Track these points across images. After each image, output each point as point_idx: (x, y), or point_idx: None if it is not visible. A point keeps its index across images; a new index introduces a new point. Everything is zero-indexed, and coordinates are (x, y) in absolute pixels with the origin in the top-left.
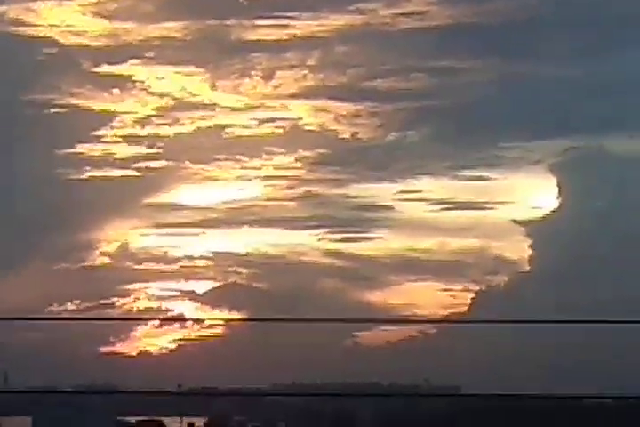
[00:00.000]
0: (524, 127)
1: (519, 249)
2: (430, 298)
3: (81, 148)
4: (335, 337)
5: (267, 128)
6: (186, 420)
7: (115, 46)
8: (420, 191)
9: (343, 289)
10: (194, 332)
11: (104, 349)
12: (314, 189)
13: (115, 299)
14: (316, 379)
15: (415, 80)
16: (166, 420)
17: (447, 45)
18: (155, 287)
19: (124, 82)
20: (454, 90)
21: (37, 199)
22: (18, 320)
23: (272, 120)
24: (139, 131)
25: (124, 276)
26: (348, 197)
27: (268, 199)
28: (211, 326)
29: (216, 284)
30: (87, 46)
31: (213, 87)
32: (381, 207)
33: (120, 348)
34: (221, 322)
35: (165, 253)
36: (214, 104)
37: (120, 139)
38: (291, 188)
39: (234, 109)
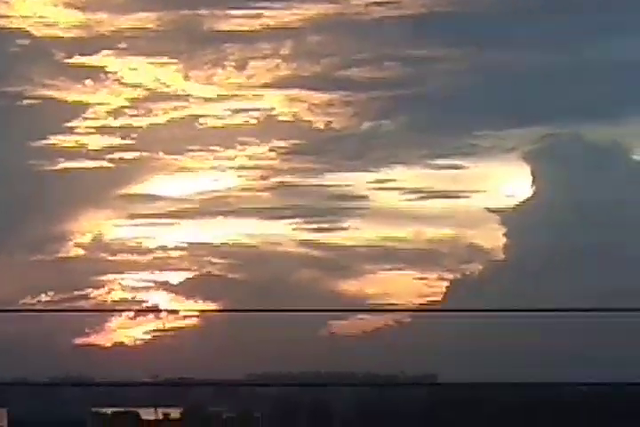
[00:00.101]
0: (498, 115)
1: (494, 238)
2: (405, 287)
3: (54, 139)
4: (311, 327)
5: (240, 118)
6: (161, 411)
7: (87, 37)
8: (395, 180)
9: (318, 279)
10: (169, 323)
11: (78, 340)
12: (288, 179)
13: (89, 290)
14: (291, 369)
15: (389, 69)
16: (142, 411)
17: (421, 34)
18: (129, 278)
19: (96, 73)
20: (428, 79)
21: (10, 191)
22: None
23: (245, 110)
24: (112, 122)
25: (98, 267)
26: (323, 186)
27: (243, 189)
28: (186, 317)
29: (191, 274)
30: (59, 37)
31: (186, 78)
32: (356, 197)
33: (94, 339)
34: (196, 313)
35: (139, 244)
36: (187, 95)
37: (93, 130)
38: (265, 178)
39: (207, 100)
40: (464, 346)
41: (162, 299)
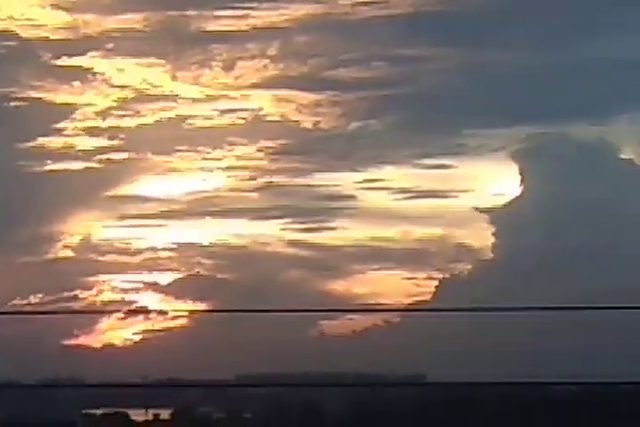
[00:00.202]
0: (486, 114)
1: (483, 237)
2: (394, 287)
3: (42, 141)
4: (300, 327)
5: (228, 119)
6: (151, 412)
7: (74, 39)
8: (383, 180)
9: (307, 279)
10: (158, 323)
11: (68, 342)
12: (276, 179)
13: (78, 291)
14: (281, 369)
15: (377, 69)
16: (131, 412)
17: (409, 34)
18: (118, 279)
19: (84, 74)
20: (416, 78)
21: None
22: None
23: (233, 111)
24: (100, 123)
25: (87, 268)
26: (311, 186)
27: (231, 190)
28: (175, 318)
29: (180, 275)
30: (47, 39)
31: (174, 78)
32: (344, 197)
33: (84, 340)
34: (186, 313)
35: (128, 244)
36: (175, 95)
37: (81, 131)
38: (253, 178)
39: (195, 100)
40: (454, 345)
41: (151, 300)
